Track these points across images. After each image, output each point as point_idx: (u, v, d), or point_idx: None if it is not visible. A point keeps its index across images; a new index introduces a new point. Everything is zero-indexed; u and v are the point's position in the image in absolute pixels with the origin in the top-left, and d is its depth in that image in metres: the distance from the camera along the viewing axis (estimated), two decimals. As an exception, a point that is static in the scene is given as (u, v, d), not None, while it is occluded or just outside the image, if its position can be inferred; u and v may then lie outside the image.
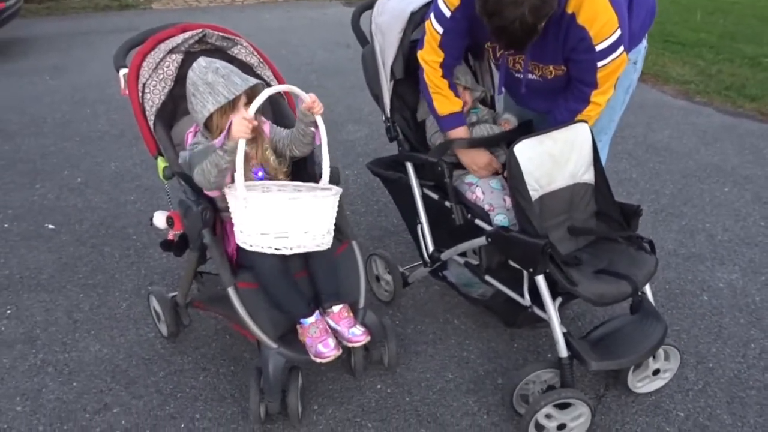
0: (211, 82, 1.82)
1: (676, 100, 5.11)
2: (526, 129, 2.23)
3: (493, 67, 2.49)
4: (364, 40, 2.47)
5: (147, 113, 2.02)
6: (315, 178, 2.04)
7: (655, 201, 3.47)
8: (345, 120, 4.50)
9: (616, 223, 2.07)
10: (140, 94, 2.01)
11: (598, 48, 1.87)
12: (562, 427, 1.89)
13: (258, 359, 2.02)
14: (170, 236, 2.07)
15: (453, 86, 2.19)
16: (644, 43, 2.24)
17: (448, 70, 2.15)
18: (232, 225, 1.90)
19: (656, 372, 2.12)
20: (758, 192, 3.57)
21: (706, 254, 2.98)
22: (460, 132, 2.19)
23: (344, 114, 4.62)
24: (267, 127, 2.03)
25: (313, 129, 1.94)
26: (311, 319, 1.89)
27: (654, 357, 2.06)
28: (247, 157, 1.80)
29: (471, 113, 2.31)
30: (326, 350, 1.86)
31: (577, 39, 1.87)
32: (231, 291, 1.86)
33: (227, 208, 1.89)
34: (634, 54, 2.19)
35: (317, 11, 8.63)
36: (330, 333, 1.90)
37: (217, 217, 1.96)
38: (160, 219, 2.07)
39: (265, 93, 1.77)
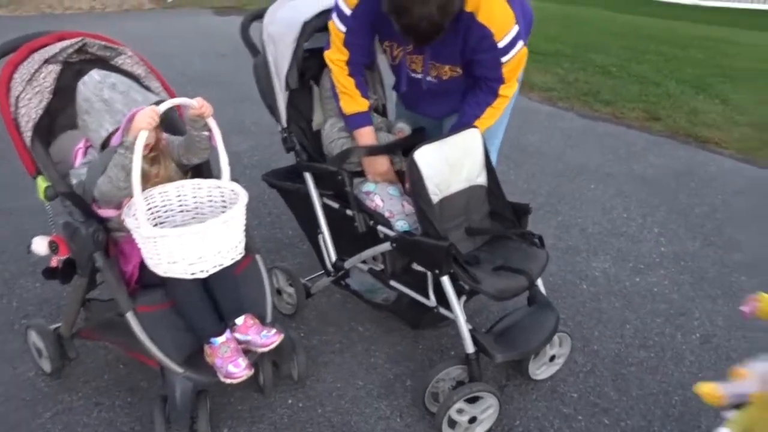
0: (108, 99, 1.71)
1: (543, 106, 5.52)
2: (420, 137, 2.31)
3: (383, 75, 2.55)
4: (254, 49, 2.43)
5: (22, 129, 1.83)
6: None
7: (533, 200, 3.71)
8: (228, 132, 4.29)
9: (509, 221, 2.19)
10: (13, 108, 1.83)
11: (501, 44, 1.96)
12: (473, 420, 1.97)
13: (161, 387, 1.91)
14: (53, 263, 1.90)
15: (360, 86, 2.20)
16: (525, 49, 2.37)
17: (354, 68, 2.17)
18: (129, 244, 1.78)
19: (552, 358, 2.27)
20: (619, 187, 3.94)
21: (581, 246, 3.24)
22: (365, 132, 2.22)
23: (227, 126, 4.40)
24: (164, 141, 1.93)
25: (206, 133, 1.87)
26: (222, 339, 1.82)
27: (550, 344, 2.21)
28: (148, 177, 1.71)
29: None
30: (237, 370, 1.80)
31: (479, 37, 1.95)
32: (130, 316, 1.75)
33: (122, 227, 1.77)
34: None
35: (187, 19, 8.33)
36: (241, 352, 1.84)
37: (109, 238, 1.83)
38: (40, 245, 1.88)
39: (166, 104, 1.69)
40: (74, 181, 1.80)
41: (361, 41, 2.13)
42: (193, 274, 1.69)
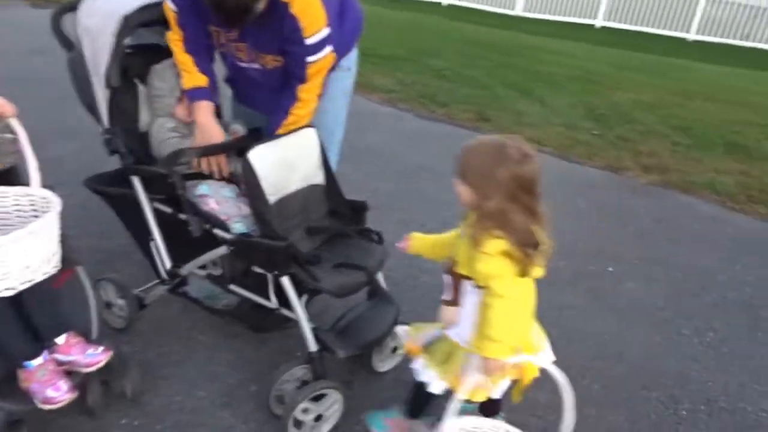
0: None
1: (383, 107, 5.70)
2: (256, 137, 2.27)
3: (217, 71, 2.49)
4: (68, 44, 2.23)
5: None
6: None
7: (373, 198, 3.79)
8: (49, 135, 3.97)
9: (348, 219, 2.24)
10: None
11: (308, 42, 2.00)
12: (318, 418, 1.98)
13: (-34, 421, 1.69)
14: None
15: (200, 63, 2.18)
16: (356, 51, 2.43)
17: (191, 45, 2.17)
18: None
19: (394, 350, 2.35)
20: (451, 186, 4.18)
21: (420, 241, 3.38)
22: (203, 105, 2.20)
23: (47, 128, 4.05)
24: None
25: (8, 135, 1.70)
26: (38, 361, 1.65)
27: (391, 336, 2.28)
28: None
29: (194, 122, 2.26)
30: (58, 394, 1.65)
31: (291, 29, 1.98)
32: None
33: None
34: (348, 61, 2.38)
35: (-4, 12, 7.47)
36: (61, 374, 1.68)
37: None
38: None
39: None
40: None
41: (192, 20, 2.11)
42: None
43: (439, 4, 14.22)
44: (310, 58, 2.04)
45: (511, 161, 1.51)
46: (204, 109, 2.20)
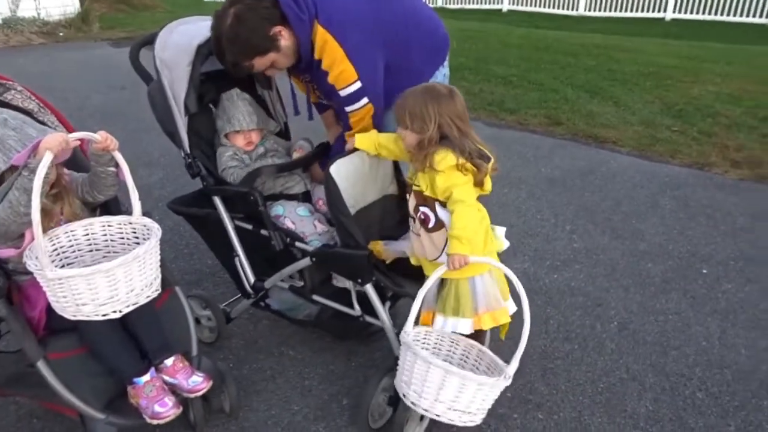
0: (0, 136, 1.59)
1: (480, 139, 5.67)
2: (324, 151, 2.33)
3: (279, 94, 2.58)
4: (146, 77, 2.35)
5: None
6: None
7: (450, 209, 3.80)
8: (136, 164, 4.20)
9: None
10: None
11: (342, 94, 2.09)
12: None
13: (82, 436, 1.79)
14: (-51, 316, 1.74)
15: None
16: (443, 70, 2.39)
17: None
18: (33, 288, 1.66)
19: None
20: (530, 190, 4.11)
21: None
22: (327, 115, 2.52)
23: (134, 158, 4.30)
24: (67, 177, 1.83)
25: (112, 168, 1.79)
26: (146, 378, 1.73)
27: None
28: (52, 215, 1.60)
29: (258, 145, 2.34)
30: (164, 410, 1.72)
31: (325, 82, 2.09)
32: (41, 365, 1.63)
33: (20, 270, 1.65)
34: (440, 73, 2.38)
35: (83, 53, 7.99)
36: (167, 391, 1.76)
37: (11, 284, 1.70)
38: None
39: (77, 134, 1.62)
40: None
41: None
42: (105, 315, 1.60)
43: (500, 11, 14.11)
44: (348, 108, 2.14)
45: (443, 97, 1.81)
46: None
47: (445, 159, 1.77)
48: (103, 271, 1.55)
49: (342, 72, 2.04)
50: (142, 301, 1.68)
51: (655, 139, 5.06)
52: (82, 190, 1.84)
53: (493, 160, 1.85)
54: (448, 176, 1.79)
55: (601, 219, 3.72)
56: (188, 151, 2.25)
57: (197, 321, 2.47)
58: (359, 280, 1.95)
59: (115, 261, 1.56)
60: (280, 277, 2.18)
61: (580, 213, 3.79)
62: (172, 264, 3.07)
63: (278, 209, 2.22)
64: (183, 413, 1.96)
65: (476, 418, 1.79)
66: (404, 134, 1.87)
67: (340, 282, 2.14)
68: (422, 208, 1.90)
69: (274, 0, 1.97)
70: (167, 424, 1.79)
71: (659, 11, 12.87)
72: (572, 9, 13.56)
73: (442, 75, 2.38)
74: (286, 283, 2.21)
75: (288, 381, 2.33)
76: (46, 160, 1.50)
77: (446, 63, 2.40)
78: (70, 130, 1.99)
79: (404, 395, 1.79)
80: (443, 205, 1.85)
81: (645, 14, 12.96)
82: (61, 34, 9.34)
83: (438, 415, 1.74)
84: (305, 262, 2.06)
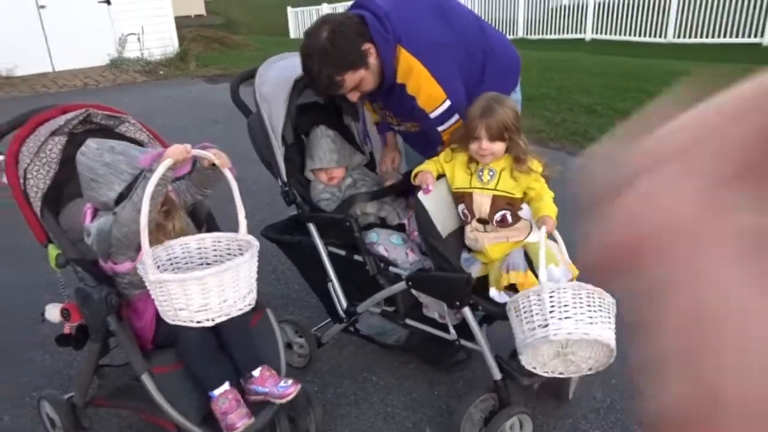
0: (110, 162, 1.74)
1: (533, 147, 5.61)
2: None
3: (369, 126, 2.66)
4: (245, 110, 2.49)
5: (31, 199, 1.87)
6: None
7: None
8: (228, 193, 4.42)
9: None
10: (22, 180, 1.88)
11: (432, 115, 2.12)
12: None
13: (178, 450, 1.88)
14: (66, 330, 1.90)
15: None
16: (515, 95, 2.44)
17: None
18: (141, 301, 1.79)
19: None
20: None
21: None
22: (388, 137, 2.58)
23: (228, 188, 4.54)
24: (173, 192, 1.97)
25: (210, 171, 1.91)
26: (219, 390, 1.81)
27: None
28: (165, 230, 1.73)
29: (346, 176, 2.41)
30: (237, 420, 1.78)
31: (411, 105, 2.12)
32: (146, 378, 1.74)
33: (135, 284, 1.78)
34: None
35: (179, 89, 8.54)
36: (242, 403, 1.82)
37: (122, 300, 1.84)
38: (53, 312, 1.89)
39: (198, 151, 1.76)
40: (93, 231, 1.79)
41: None
42: (198, 322, 1.67)
43: (582, 40, 13.90)
44: (440, 128, 2.16)
45: (509, 107, 2.01)
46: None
47: (534, 162, 2.03)
48: (197, 278, 1.63)
49: (431, 95, 2.08)
50: (235, 312, 1.74)
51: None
52: (187, 193, 1.96)
53: None
54: (538, 177, 2.04)
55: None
56: (285, 179, 2.36)
57: (288, 346, 2.55)
58: (457, 303, 1.96)
59: (209, 270, 1.65)
60: (373, 301, 2.23)
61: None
62: (261, 288, 3.18)
63: (372, 236, 2.28)
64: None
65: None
66: (496, 147, 2.00)
67: (430, 312, 2.16)
68: (502, 211, 2.05)
69: (361, 18, 2.03)
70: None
71: (755, 36, 12.26)
72: (660, 36, 13.15)
73: (515, 98, 2.41)
74: (378, 308, 2.26)
75: (372, 407, 2.35)
76: (167, 163, 1.63)
77: (518, 88, 2.44)
78: None
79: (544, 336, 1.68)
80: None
81: (739, 39, 12.38)
82: (161, 72, 10.05)
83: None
84: (401, 286, 2.09)
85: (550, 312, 1.67)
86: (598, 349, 1.71)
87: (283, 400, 1.85)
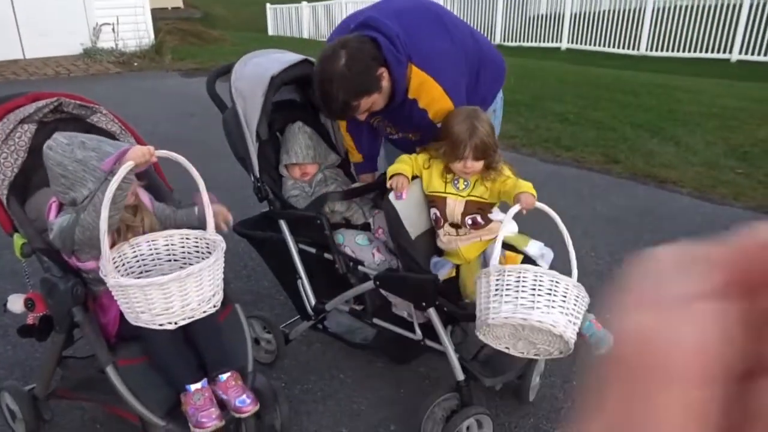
0: (82, 159, 1.71)
1: (506, 152, 5.69)
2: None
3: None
4: (221, 105, 2.49)
5: (-3, 187, 1.85)
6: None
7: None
8: (197, 185, 4.38)
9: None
10: (-12, 168, 1.85)
11: (439, 125, 2.17)
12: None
13: (141, 443, 1.87)
14: (30, 320, 1.87)
15: (357, 142, 2.50)
16: (500, 94, 2.54)
17: (351, 127, 2.48)
18: (108, 297, 1.77)
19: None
20: (585, 228, 4.06)
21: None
22: (364, 177, 2.57)
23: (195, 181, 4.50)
24: (146, 198, 1.95)
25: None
26: (197, 386, 1.80)
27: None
28: (134, 228, 1.72)
29: (317, 172, 2.43)
30: (207, 420, 1.78)
31: (420, 117, 2.17)
32: (110, 370, 1.72)
33: (101, 280, 1.76)
34: (493, 105, 2.49)
35: (154, 82, 8.43)
36: (214, 403, 1.82)
37: (88, 292, 1.82)
38: (16, 303, 1.86)
39: (165, 152, 1.74)
40: (56, 231, 1.76)
41: None
42: (161, 325, 1.66)
43: (558, 49, 14.11)
44: None
45: (486, 122, 2.08)
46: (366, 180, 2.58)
47: (505, 169, 2.11)
48: (158, 284, 1.61)
49: (441, 107, 2.13)
50: (198, 315, 1.72)
51: (717, 180, 4.93)
52: (161, 219, 1.96)
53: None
54: (510, 176, 2.10)
55: (659, 259, 3.63)
56: (258, 175, 2.36)
57: (256, 342, 2.55)
58: (423, 304, 1.99)
59: (170, 276, 1.63)
60: (341, 299, 2.24)
61: (638, 253, 3.71)
62: (230, 284, 3.17)
63: (339, 238, 2.29)
64: (235, 429, 2.03)
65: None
66: (475, 165, 2.06)
67: (399, 310, 2.18)
68: (473, 215, 2.12)
69: (375, 42, 2.05)
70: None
71: (725, 52, 12.58)
72: (633, 48, 13.43)
73: (499, 98, 2.50)
74: (347, 307, 2.27)
75: (338, 404, 2.37)
76: (126, 167, 1.61)
77: (500, 91, 2.54)
78: None
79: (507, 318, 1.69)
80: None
81: (710, 54, 12.69)
82: (135, 64, 9.90)
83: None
84: (368, 285, 2.11)
85: (494, 295, 1.70)
86: (551, 335, 1.69)
87: (237, 415, 1.85)
